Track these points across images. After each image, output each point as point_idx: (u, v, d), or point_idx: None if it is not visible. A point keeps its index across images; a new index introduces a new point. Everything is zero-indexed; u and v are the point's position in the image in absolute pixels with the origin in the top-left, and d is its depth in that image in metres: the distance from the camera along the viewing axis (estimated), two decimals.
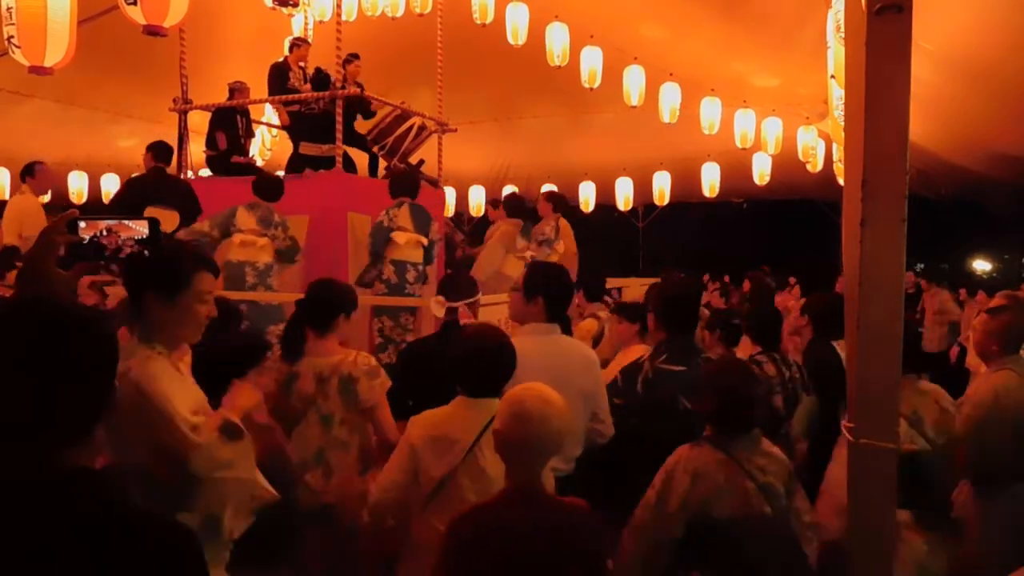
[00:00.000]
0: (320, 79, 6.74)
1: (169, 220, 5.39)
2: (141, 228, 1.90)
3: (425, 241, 5.41)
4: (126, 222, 1.90)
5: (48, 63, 4.42)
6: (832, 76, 5.23)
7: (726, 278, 11.63)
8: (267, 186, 5.47)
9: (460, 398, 2.45)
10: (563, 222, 6.87)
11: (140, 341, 1.94)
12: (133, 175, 6.48)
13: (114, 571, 1.09)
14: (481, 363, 2.43)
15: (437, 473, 2.34)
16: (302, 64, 7.12)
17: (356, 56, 6.67)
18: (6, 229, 6.08)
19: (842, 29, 3.43)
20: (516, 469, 2.01)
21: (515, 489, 2.00)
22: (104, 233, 1.84)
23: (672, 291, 3.26)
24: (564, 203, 7.15)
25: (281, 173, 7.60)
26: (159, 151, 5.77)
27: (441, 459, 2.34)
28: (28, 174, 6.37)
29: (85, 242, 1.82)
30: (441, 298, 3.41)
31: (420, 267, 5.38)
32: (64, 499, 1.10)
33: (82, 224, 1.81)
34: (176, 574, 1.15)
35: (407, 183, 5.54)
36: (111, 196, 11.39)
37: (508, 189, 13.00)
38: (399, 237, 5.27)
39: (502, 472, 2.08)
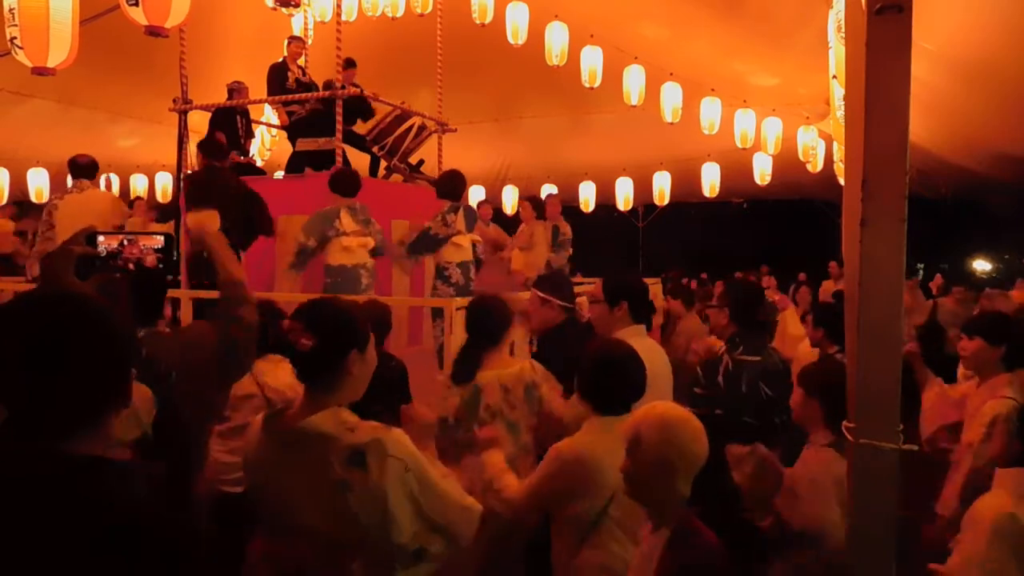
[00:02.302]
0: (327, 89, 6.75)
1: (211, 219, 5.40)
2: (159, 239, 2.06)
3: (471, 241, 5.54)
4: (149, 235, 2.07)
5: (51, 64, 4.42)
6: (833, 76, 5.23)
7: (703, 275, 11.62)
8: (346, 181, 5.38)
9: (595, 420, 2.36)
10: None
11: (337, 407, 1.77)
12: (188, 172, 6.34)
13: (115, 561, 1.09)
14: (614, 378, 2.37)
15: (593, 506, 2.29)
16: (300, 63, 7.13)
17: (353, 64, 6.67)
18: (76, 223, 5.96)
19: (843, 29, 3.44)
20: (665, 501, 1.86)
21: (679, 530, 1.82)
22: (126, 243, 1.99)
23: (745, 291, 3.61)
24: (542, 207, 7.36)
25: (281, 173, 7.62)
26: (207, 148, 5.73)
27: (594, 491, 2.28)
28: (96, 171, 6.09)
29: (103, 255, 1.97)
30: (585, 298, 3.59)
31: (469, 265, 5.53)
32: (68, 487, 1.11)
33: (101, 238, 1.97)
34: (180, 566, 1.15)
35: (450, 185, 5.58)
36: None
37: (508, 189, 13.03)
38: (461, 240, 5.41)
39: None
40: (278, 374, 3.04)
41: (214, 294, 4.39)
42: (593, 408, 2.38)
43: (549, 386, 2.93)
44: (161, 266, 2.02)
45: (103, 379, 1.19)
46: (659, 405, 1.97)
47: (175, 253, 2.13)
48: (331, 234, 5.23)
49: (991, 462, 2.78)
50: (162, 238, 2.03)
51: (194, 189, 5.51)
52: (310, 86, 6.92)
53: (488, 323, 3.03)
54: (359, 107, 6.68)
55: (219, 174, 5.54)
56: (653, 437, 1.86)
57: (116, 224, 5.60)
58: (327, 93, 6.33)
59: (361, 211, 5.32)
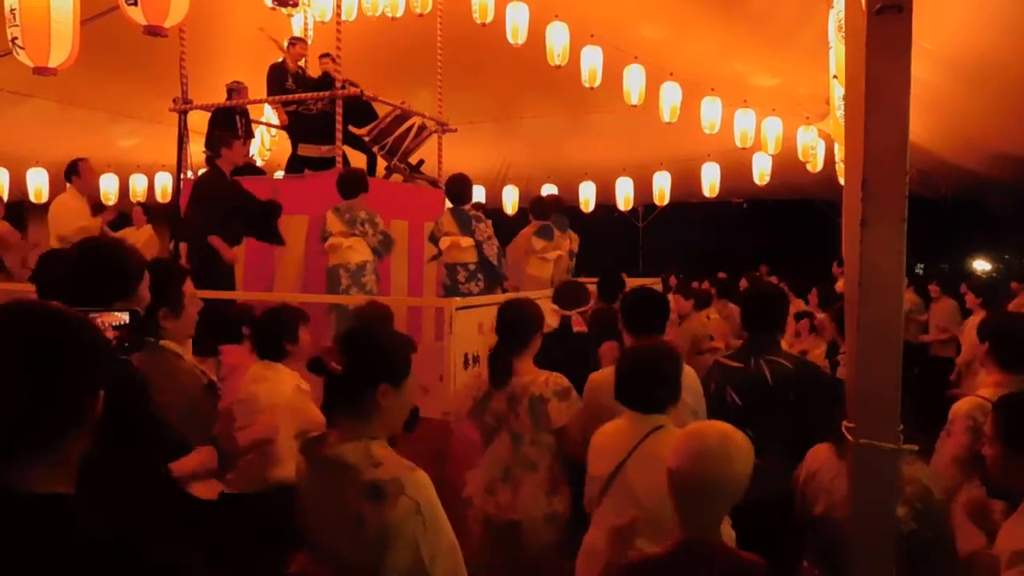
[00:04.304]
0: (324, 83, 6.74)
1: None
2: (122, 316, 1.93)
3: (471, 242, 5.53)
4: (110, 312, 1.94)
5: (52, 64, 4.42)
6: (833, 76, 5.23)
7: (721, 275, 11.52)
8: (347, 182, 5.43)
9: (628, 412, 2.47)
10: None
11: (370, 439, 1.76)
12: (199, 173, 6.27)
13: None
14: (644, 379, 2.44)
15: (596, 482, 2.41)
16: (301, 64, 7.12)
17: (327, 55, 6.66)
18: (49, 231, 5.87)
19: (843, 29, 3.44)
20: (691, 516, 1.83)
21: (689, 542, 1.81)
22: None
23: (755, 295, 3.44)
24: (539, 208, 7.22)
25: (281, 173, 7.62)
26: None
27: (600, 467, 2.42)
28: (73, 173, 5.96)
29: None
30: (556, 307, 3.66)
31: (470, 267, 5.51)
32: (19, 528, 1.00)
33: None
34: None
35: (454, 188, 5.72)
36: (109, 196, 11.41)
37: (508, 189, 13.03)
38: (443, 242, 5.52)
39: (647, 490, 2.08)
40: (278, 379, 3.03)
41: (216, 294, 4.38)
42: (628, 408, 2.46)
43: (567, 404, 2.88)
44: (127, 345, 1.92)
45: (55, 399, 1.07)
46: (698, 427, 1.96)
47: (141, 332, 2.03)
48: (324, 236, 5.34)
49: (951, 460, 2.77)
50: (127, 315, 1.93)
51: (194, 192, 5.58)
52: (319, 84, 6.87)
53: (517, 327, 3.01)
54: (355, 118, 6.67)
55: (217, 180, 5.54)
56: (687, 464, 1.83)
57: (75, 228, 5.55)
58: (327, 94, 6.33)
59: (346, 211, 5.33)
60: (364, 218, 5.30)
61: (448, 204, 5.76)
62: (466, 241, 5.51)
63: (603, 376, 2.92)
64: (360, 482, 1.68)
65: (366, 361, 1.77)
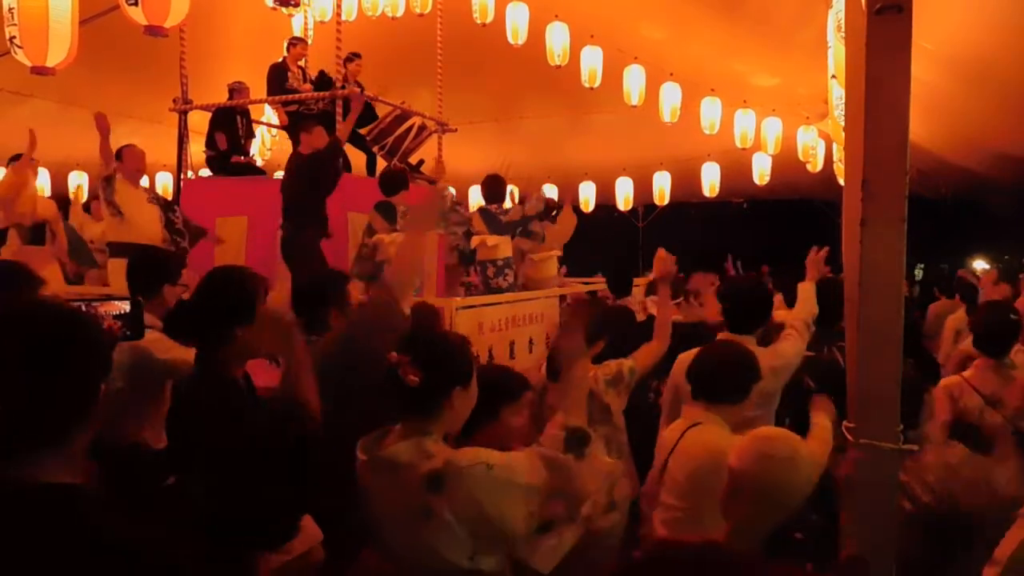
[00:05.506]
0: (323, 82, 6.73)
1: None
2: (123, 305, 1.97)
3: (498, 240, 5.80)
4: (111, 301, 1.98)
5: (50, 63, 4.42)
6: (832, 76, 5.23)
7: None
8: (389, 180, 5.51)
9: (686, 404, 2.62)
10: None
11: (423, 435, 1.78)
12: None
13: None
14: (705, 374, 2.56)
15: (656, 470, 2.60)
16: (301, 64, 7.12)
17: (357, 55, 6.67)
18: None
19: (843, 29, 3.44)
20: (739, 520, 1.75)
21: (723, 549, 1.69)
22: (83, 308, 1.86)
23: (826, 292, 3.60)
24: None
25: (280, 174, 7.62)
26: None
27: (660, 456, 2.61)
28: (118, 159, 5.63)
29: None
30: (653, 298, 3.93)
31: (498, 262, 5.81)
32: (27, 516, 1.01)
33: None
34: None
35: (490, 189, 6.13)
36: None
37: (509, 189, 13.02)
38: (474, 241, 5.87)
39: (684, 484, 2.19)
40: None
41: None
42: (694, 397, 2.60)
43: (616, 391, 3.00)
44: (128, 333, 1.94)
45: (63, 393, 1.07)
46: (767, 433, 1.93)
47: (142, 320, 2.04)
48: (369, 233, 5.44)
49: (942, 425, 3.04)
50: (127, 303, 1.96)
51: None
52: (324, 83, 6.85)
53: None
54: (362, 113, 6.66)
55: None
56: (749, 467, 1.77)
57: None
58: (327, 94, 6.33)
59: (387, 208, 5.41)
60: (404, 211, 5.35)
61: (481, 204, 6.16)
62: (493, 239, 5.74)
63: (683, 359, 3.07)
64: (417, 477, 1.71)
65: (441, 369, 1.81)
